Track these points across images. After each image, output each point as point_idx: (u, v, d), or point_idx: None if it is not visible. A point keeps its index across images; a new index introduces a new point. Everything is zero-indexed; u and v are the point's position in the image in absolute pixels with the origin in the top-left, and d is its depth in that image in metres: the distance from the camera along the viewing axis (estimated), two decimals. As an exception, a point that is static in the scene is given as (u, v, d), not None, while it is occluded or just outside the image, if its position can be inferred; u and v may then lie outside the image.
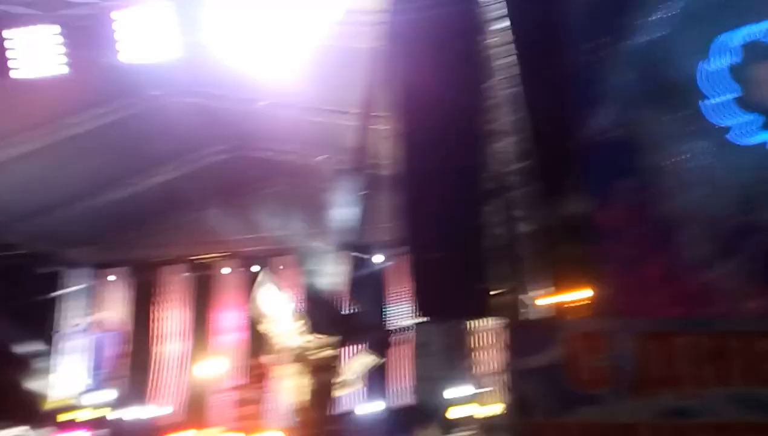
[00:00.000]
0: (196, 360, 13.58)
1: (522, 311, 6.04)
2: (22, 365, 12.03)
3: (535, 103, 4.87)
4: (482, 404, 7.51)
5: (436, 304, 4.45)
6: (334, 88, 8.65)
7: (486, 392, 7.47)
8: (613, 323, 4.75)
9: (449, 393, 9.56)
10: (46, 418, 10.40)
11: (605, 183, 5.31)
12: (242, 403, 11.21)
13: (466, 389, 9.95)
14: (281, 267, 12.75)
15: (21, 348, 12.04)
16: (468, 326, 6.55)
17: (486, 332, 6.65)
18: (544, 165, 5.10)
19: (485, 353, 6.83)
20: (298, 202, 12.18)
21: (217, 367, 13.11)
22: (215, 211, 12.99)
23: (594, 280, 5.63)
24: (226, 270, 13.47)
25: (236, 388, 11.76)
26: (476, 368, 7.52)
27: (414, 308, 4.76)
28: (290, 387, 9.07)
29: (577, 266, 5.63)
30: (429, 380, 8.10)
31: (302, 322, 9.42)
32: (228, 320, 13.35)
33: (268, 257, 12.83)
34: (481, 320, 6.12)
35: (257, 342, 12.66)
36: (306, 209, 11.83)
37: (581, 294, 5.70)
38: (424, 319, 5.58)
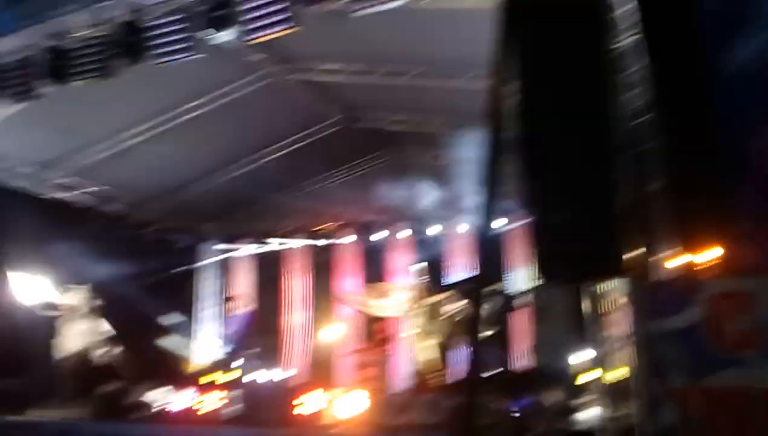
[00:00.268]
0: (320, 325, 14.15)
1: (653, 271, 5.76)
2: (165, 332, 13.02)
3: (665, 45, 4.53)
4: (609, 369, 7.28)
5: (560, 266, 4.30)
6: (450, 49, 8.58)
7: (613, 356, 7.22)
8: (759, 283, 4.43)
9: (574, 358, 9.34)
10: (188, 380, 11.16)
11: (747, 127, 4.88)
12: (365, 365, 11.50)
13: (591, 354, 9.69)
14: (400, 235, 12.97)
15: (163, 317, 13.01)
16: (594, 289, 6.32)
17: (614, 294, 6.39)
18: (676, 115, 4.77)
19: (613, 316, 6.57)
20: (415, 170, 12.29)
21: (340, 331, 13.60)
22: (332, 183, 13.41)
23: (732, 237, 5.26)
24: (345, 239, 13.84)
25: (359, 351, 12.09)
26: (603, 331, 7.28)
27: (536, 271, 4.66)
28: (415, 348, 9.27)
29: (712, 223, 5.27)
30: (553, 344, 7.92)
31: (424, 285, 9.58)
32: (349, 286, 13.75)
33: (387, 225, 13.06)
34: (609, 282, 5.87)
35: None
36: (423, 177, 11.91)
37: (716, 253, 5.34)
38: (548, 282, 5.41)
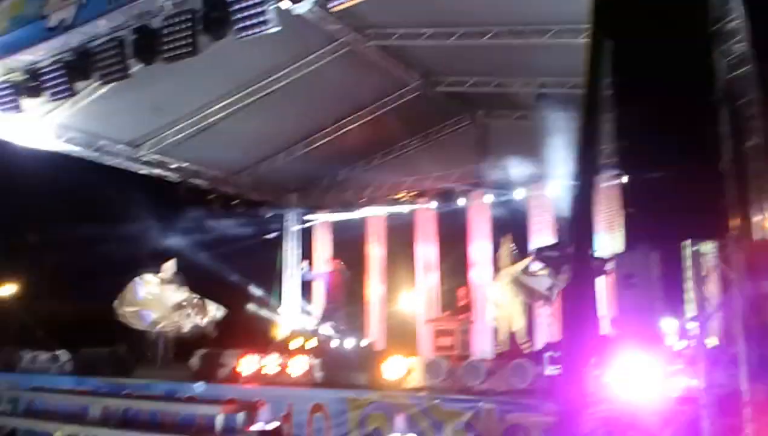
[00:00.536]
0: (401, 293, 14.30)
1: (755, 231, 5.48)
2: (253, 300, 13.49)
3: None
4: (705, 334, 6.98)
5: (658, 227, 4.12)
6: (530, 6, 8.33)
7: (711, 320, 6.93)
8: None
9: (663, 323, 9.05)
10: (277, 346, 11.53)
11: None
12: (446, 333, 11.53)
13: (685, 319, 9.35)
14: (483, 200, 12.82)
15: (251, 285, 13.47)
16: (692, 250, 6.04)
17: (708, 256, 6.11)
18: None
19: (706, 280, 6.28)
20: (498, 133, 12.08)
21: (422, 299, 13.69)
22: (413, 150, 13.38)
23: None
24: (426, 205, 13.81)
25: (440, 318, 12.13)
26: (695, 296, 7.00)
27: (629, 232, 4.49)
28: (499, 314, 9.23)
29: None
30: (640, 309, 7.67)
31: (511, 250, 9.48)
32: (428, 253, 13.77)
33: (468, 191, 12.93)
34: (704, 243, 5.61)
35: (459, 273, 13.08)
36: (506, 140, 11.69)
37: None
38: (643, 243, 5.23)
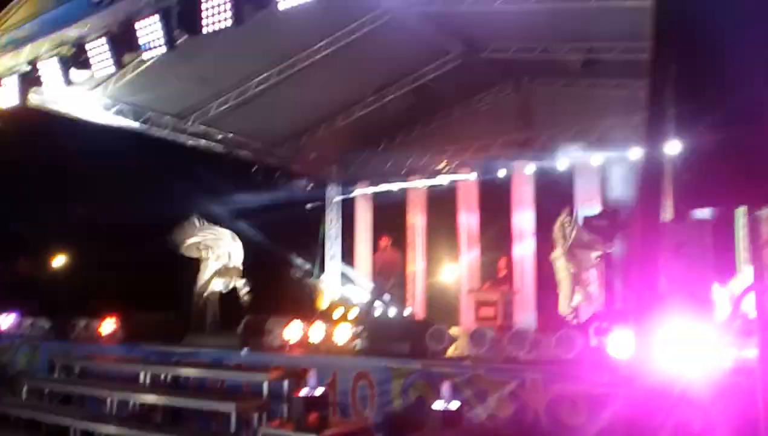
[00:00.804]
0: (442, 264, 14.27)
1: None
2: (298, 270, 13.67)
3: None
4: (756, 304, 6.75)
5: (707, 194, 3.95)
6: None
7: (760, 290, 6.70)
8: None
9: (716, 293, 8.83)
10: (321, 315, 11.67)
11: None
12: (488, 303, 11.49)
13: (734, 288, 9.12)
14: (524, 170, 12.63)
15: (294, 256, 13.64)
16: (752, 216, 5.80)
17: (765, 223, 5.87)
18: None
19: (763, 247, 6.04)
20: (544, 101, 11.83)
21: (463, 269, 13.66)
22: (455, 119, 13.23)
23: None
24: (467, 176, 13.68)
25: (482, 289, 12.08)
26: (752, 264, 6.77)
27: (679, 199, 4.34)
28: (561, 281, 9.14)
29: None
30: (691, 279, 7.45)
31: (565, 222, 9.34)
32: (469, 224, 13.69)
33: (511, 161, 12.74)
34: (761, 209, 5.36)
35: (500, 244, 12.98)
36: (552, 109, 11.45)
37: None
38: (689, 212, 5.07)
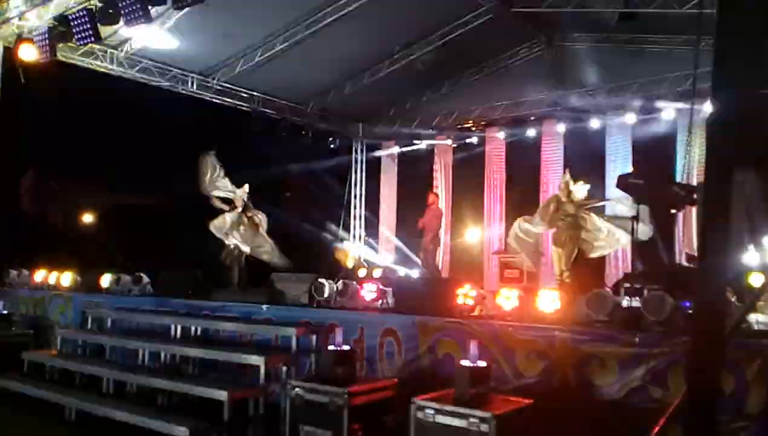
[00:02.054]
0: (468, 225, 14.21)
1: None
2: (324, 228, 13.71)
3: None
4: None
5: (742, 155, 3.79)
6: None
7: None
8: None
9: (747, 257, 8.67)
10: (346, 273, 11.74)
11: None
12: (513, 265, 11.44)
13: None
14: (554, 130, 12.42)
15: (322, 214, 13.66)
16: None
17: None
18: None
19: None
20: (577, 58, 11.48)
21: (490, 230, 13.59)
22: (484, 76, 12.95)
23: None
24: (495, 135, 13.51)
25: (508, 250, 12.01)
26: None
27: (711, 160, 4.17)
28: (562, 247, 9.04)
29: None
30: (723, 241, 7.24)
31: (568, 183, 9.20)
32: (496, 184, 13.57)
33: (541, 120, 12.53)
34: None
35: (527, 204, 12.85)
36: (586, 66, 11.13)
37: None
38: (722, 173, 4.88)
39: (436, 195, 12.09)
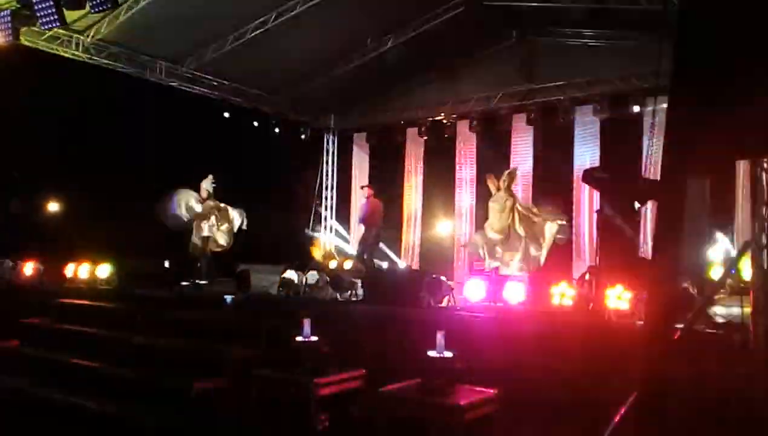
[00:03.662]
0: (439, 216, 14.28)
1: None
2: (296, 218, 13.65)
3: None
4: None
5: (705, 148, 3.87)
6: None
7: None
8: None
9: (711, 250, 8.90)
10: (316, 265, 11.71)
11: None
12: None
13: (728, 247, 9.17)
14: (525, 123, 12.50)
15: (292, 205, 13.59)
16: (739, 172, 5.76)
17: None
18: None
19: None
20: (548, 52, 11.57)
21: (459, 222, 13.68)
22: (456, 69, 12.99)
23: None
24: (461, 129, 13.57)
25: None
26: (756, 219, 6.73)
27: (674, 154, 4.25)
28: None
29: None
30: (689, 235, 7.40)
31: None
32: (467, 176, 13.65)
33: (512, 113, 12.61)
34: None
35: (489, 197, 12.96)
36: (557, 60, 11.23)
37: None
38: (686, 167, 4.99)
39: (372, 188, 12.09)
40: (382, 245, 12.42)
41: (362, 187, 12.32)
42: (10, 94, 10.37)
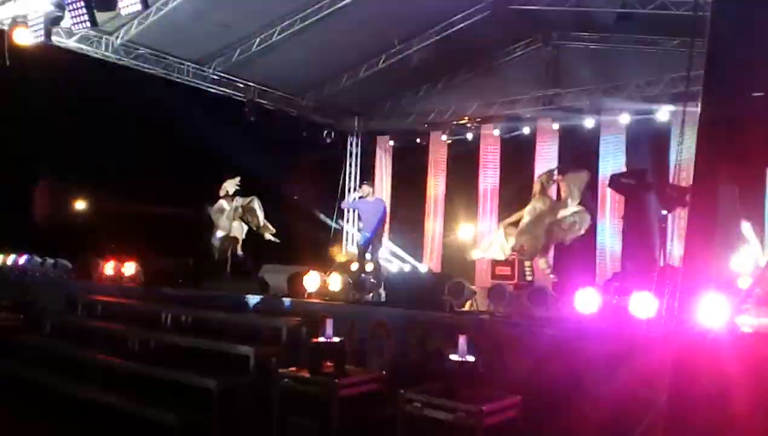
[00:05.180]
0: (461, 221, 14.21)
1: None
2: (315, 221, 13.68)
3: None
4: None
5: (735, 155, 3.83)
6: None
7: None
8: None
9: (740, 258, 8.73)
10: (338, 266, 11.69)
11: None
12: (505, 262, 11.42)
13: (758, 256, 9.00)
14: (549, 128, 12.42)
15: (315, 207, 13.63)
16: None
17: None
18: None
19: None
20: (573, 57, 11.49)
21: (482, 226, 13.60)
22: (480, 73, 12.95)
23: None
24: (490, 132, 13.51)
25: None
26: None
27: (703, 160, 4.22)
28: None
29: None
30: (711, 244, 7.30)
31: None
32: (490, 180, 13.58)
33: (536, 118, 12.54)
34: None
35: (522, 201, 12.86)
36: (582, 65, 11.15)
37: None
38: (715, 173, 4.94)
39: (371, 186, 11.91)
40: (395, 247, 12.34)
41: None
42: (38, 91, 10.56)
